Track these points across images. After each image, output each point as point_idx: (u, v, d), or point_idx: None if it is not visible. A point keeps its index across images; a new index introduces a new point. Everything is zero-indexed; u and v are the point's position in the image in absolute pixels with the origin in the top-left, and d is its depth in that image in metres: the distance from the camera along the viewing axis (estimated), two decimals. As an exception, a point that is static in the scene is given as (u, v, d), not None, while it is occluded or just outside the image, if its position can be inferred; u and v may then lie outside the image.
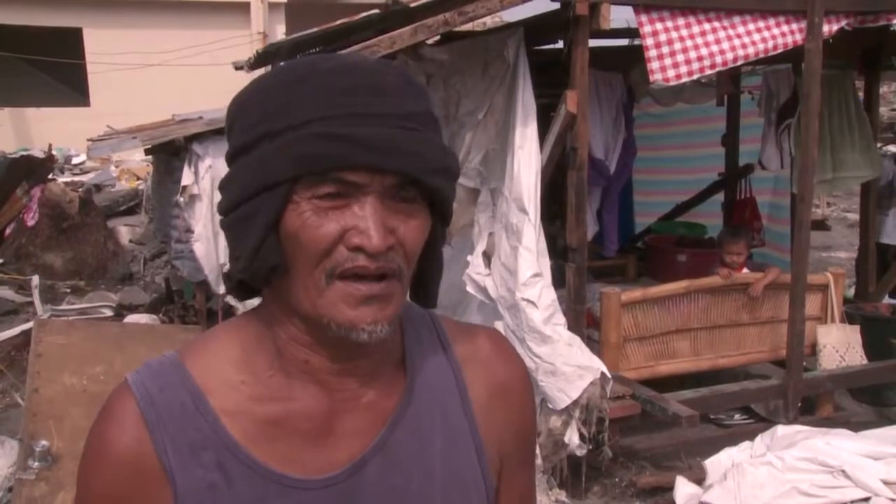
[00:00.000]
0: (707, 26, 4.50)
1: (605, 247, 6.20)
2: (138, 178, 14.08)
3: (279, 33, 17.43)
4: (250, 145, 0.91)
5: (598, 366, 4.23)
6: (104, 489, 0.93)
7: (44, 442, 3.55)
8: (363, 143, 0.86)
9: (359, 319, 0.89)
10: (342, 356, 0.96)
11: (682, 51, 4.42)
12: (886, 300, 6.50)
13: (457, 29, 4.35)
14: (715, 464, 4.13)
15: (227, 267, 0.99)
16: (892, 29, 5.00)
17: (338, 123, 0.86)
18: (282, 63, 0.95)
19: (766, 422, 5.18)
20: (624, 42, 6.40)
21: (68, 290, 9.40)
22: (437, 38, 4.80)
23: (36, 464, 3.51)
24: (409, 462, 0.99)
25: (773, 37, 4.63)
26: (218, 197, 0.98)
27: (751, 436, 4.34)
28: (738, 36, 4.55)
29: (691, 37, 4.45)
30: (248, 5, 17.88)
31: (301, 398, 0.96)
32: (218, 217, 1.02)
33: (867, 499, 3.68)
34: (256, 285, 0.96)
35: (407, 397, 1.01)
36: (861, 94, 6.55)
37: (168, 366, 0.97)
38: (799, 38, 4.69)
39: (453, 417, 1.03)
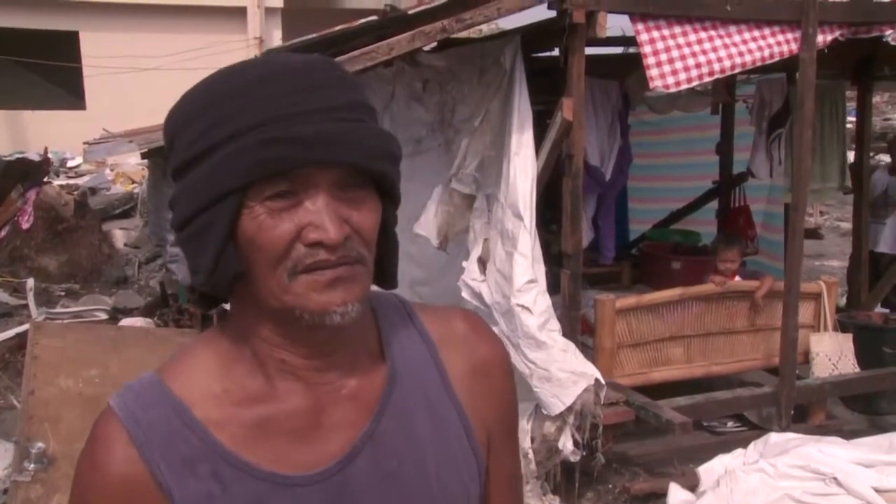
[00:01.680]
0: (703, 34, 4.53)
1: (601, 254, 6.22)
2: (133, 182, 14.07)
3: (275, 38, 17.45)
4: (193, 160, 0.91)
5: (592, 372, 4.25)
6: None
7: (40, 444, 3.56)
8: (307, 141, 0.87)
9: (329, 303, 0.91)
10: (317, 351, 0.98)
11: (680, 58, 4.44)
12: (878, 309, 6.53)
13: (454, 36, 4.37)
14: (708, 470, 4.16)
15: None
16: (884, 40, 5.03)
17: (280, 126, 0.88)
18: (209, 75, 0.97)
19: (759, 429, 5.19)
20: (618, 50, 6.44)
21: (63, 293, 9.40)
22: (435, 44, 4.82)
23: (32, 466, 3.52)
24: (400, 448, 1.01)
25: (769, 45, 4.66)
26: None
27: (744, 443, 4.37)
28: (735, 44, 4.58)
29: (688, 45, 4.48)
30: (244, 10, 17.88)
31: (285, 397, 0.98)
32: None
33: (859, 506, 3.71)
34: (220, 295, 0.97)
35: (389, 384, 1.03)
36: (854, 104, 6.61)
37: (148, 385, 0.98)
38: (794, 47, 4.72)
39: (437, 399, 1.05)
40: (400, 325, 1.09)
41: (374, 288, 1.02)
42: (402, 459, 1.01)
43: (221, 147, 0.89)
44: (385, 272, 1.03)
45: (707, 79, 4.59)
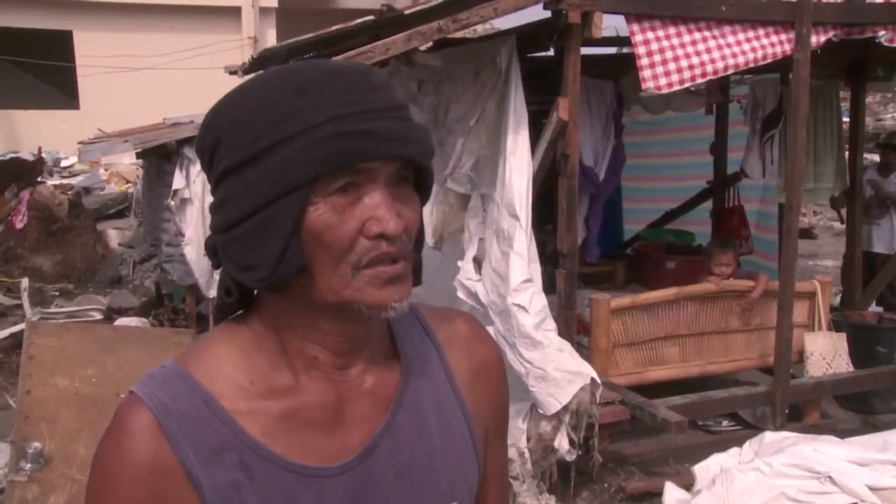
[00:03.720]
0: (697, 35, 4.54)
1: (588, 252, 6.21)
2: (128, 182, 14.04)
3: (270, 38, 17.43)
4: (255, 157, 0.93)
5: (588, 371, 4.26)
6: (126, 501, 0.93)
7: (36, 444, 3.55)
8: (379, 135, 0.92)
9: (387, 299, 0.95)
10: (349, 347, 1.01)
11: (673, 59, 4.46)
12: (872, 307, 6.55)
13: (449, 36, 4.38)
14: (703, 469, 4.16)
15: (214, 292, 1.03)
16: (877, 41, 5.05)
17: (353, 121, 0.91)
18: (260, 73, 1.00)
19: (754, 428, 5.21)
20: (612, 50, 6.45)
21: (57, 293, 9.37)
22: (430, 44, 4.82)
23: (28, 466, 3.51)
24: (413, 442, 1.05)
25: (763, 47, 4.68)
26: (209, 200, 1.02)
27: (739, 442, 4.38)
28: (728, 45, 4.59)
29: (682, 46, 4.49)
30: (238, 10, 17.85)
31: (309, 391, 1.00)
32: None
33: (853, 504, 3.73)
34: (278, 290, 0.98)
35: (404, 381, 1.07)
36: (847, 105, 6.63)
37: (173, 375, 0.98)
38: (787, 48, 4.74)
39: (443, 396, 1.10)
40: (409, 324, 1.13)
41: None
42: (416, 453, 1.05)
43: (292, 140, 0.92)
44: (414, 269, 1.04)
45: (700, 80, 4.61)
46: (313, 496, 0.98)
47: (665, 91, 4.54)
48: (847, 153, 6.59)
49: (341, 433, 1.01)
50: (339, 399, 1.02)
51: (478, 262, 4.61)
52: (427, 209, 4.76)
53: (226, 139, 0.95)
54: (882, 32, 4.95)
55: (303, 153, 0.91)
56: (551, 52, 5.34)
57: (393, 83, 0.99)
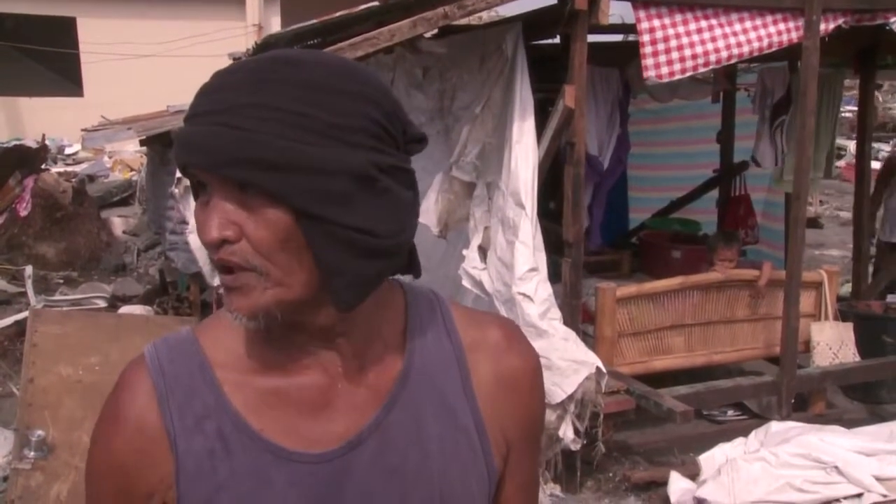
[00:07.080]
0: (704, 23, 4.50)
1: (589, 240, 6.17)
2: (132, 169, 14.03)
3: (274, 25, 17.37)
4: None
5: (593, 360, 4.24)
6: (113, 452, 0.98)
7: (39, 432, 3.55)
8: (177, 141, 0.91)
9: (228, 305, 0.94)
10: (311, 336, 0.98)
11: (677, 48, 4.42)
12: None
13: (454, 23, 4.35)
14: (709, 459, 4.15)
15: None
16: (888, 28, 5.01)
17: (185, 124, 0.92)
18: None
19: (759, 418, 5.20)
20: (618, 37, 6.41)
21: (61, 281, 9.37)
22: (435, 31, 4.79)
23: (31, 454, 3.51)
24: (406, 443, 1.01)
25: (770, 35, 4.64)
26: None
27: (744, 432, 4.37)
28: (735, 34, 4.55)
29: (688, 34, 4.46)
30: (243, -4, 17.79)
31: (300, 372, 1.00)
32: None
33: (860, 495, 3.71)
34: None
35: (403, 379, 1.03)
36: (856, 92, 6.59)
37: (183, 338, 1.03)
38: (795, 35, 4.70)
39: (454, 400, 1.05)
40: (428, 322, 1.08)
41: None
42: (406, 455, 1.01)
43: None
44: (336, 293, 0.93)
45: (702, 69, 4.58)
46: (286, 480, 0.97)
47: (666, 80, 4.51)
48: (856, 142, 6.56)
49: (326, 419, 0.99)
50: (330, 385, 1.00)
51: (483, 251, 4.59)
52: (432, 198, 4.74)
53: None
54: (893, 19, 4.92)
55: None
56: (557, 40, 5.31)
57: (262, 83, 0.89)
